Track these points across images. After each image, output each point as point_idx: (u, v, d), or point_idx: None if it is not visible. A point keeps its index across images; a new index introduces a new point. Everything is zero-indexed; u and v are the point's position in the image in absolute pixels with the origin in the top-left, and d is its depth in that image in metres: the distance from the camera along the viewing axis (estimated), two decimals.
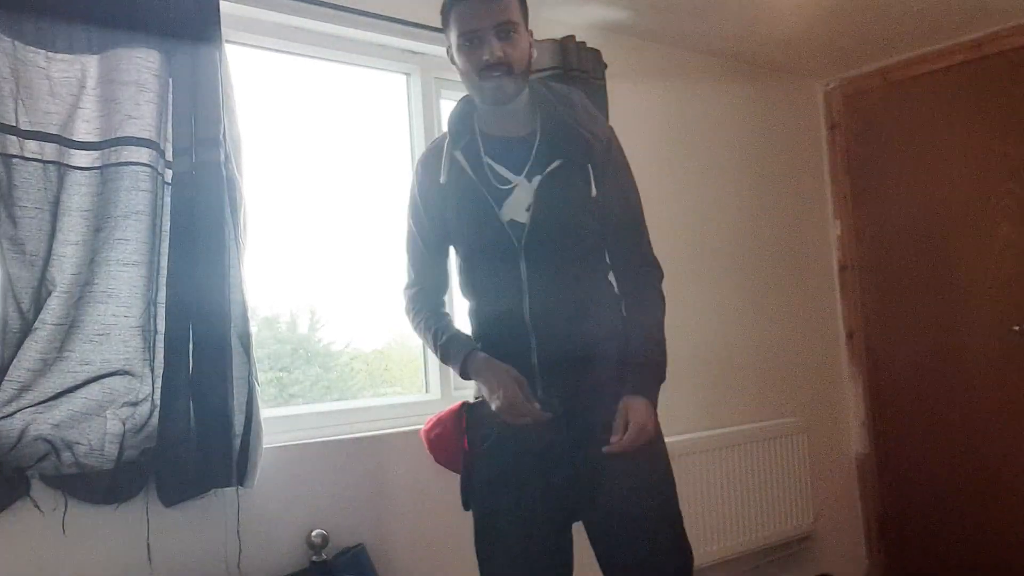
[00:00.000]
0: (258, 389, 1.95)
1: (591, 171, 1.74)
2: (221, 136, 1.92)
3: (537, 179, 1.72)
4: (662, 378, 1.76)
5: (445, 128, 1.83)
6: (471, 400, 1.84)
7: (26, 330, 1.71)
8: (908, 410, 3.47)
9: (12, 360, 1.69)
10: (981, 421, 3.25)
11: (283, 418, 2.17)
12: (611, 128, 1.85)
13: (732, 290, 3.25)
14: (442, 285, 1.91)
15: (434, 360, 2.48)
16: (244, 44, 2.25)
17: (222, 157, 1.91)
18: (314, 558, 2.02)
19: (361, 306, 2.46)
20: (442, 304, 1.91)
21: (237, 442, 1.89)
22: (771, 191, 3.46)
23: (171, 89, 1.90)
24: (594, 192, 1.74)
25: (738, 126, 3.36)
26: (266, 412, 2.03)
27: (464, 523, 2.32)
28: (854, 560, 3.57)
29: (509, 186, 1.74)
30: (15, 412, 1.68)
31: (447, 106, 2.60)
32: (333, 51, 2.40)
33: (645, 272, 1.81)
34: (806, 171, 3.65)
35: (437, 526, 2.29)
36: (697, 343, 3.06)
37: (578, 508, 1.74)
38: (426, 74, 2.55)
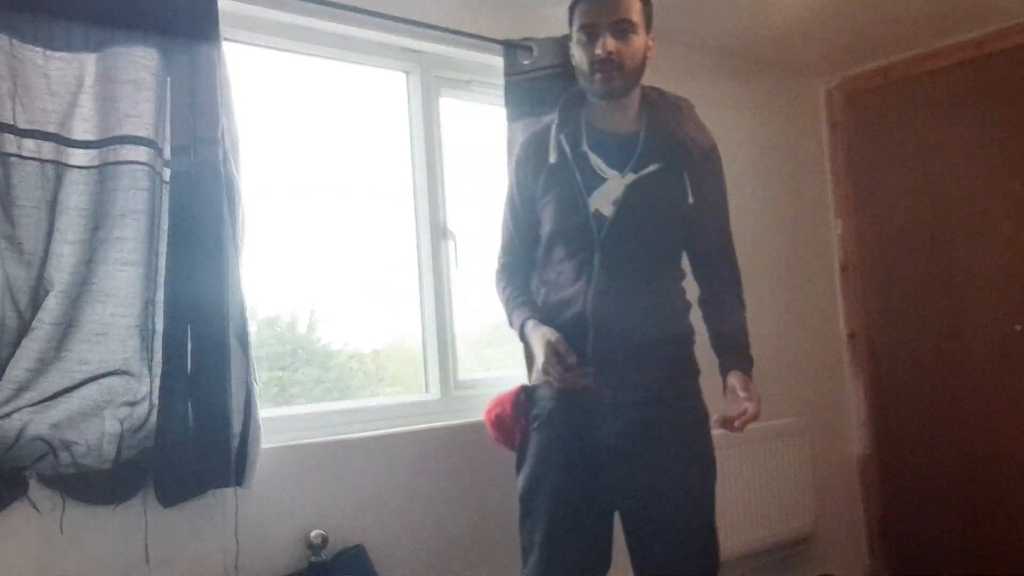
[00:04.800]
0: (256, 389, 1.94)
1: (687, 179, 1.80)
2: (219, 135, 1.91)
3: (631, 177, 1.77)
4: (751, 365, 1.85)
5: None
6: (529, 383, 1.94)
7: (24, 330, 1.70)
8: (910, 410, 3.46)
9: (9, 360, 1.68)
10: (984, 421, 3.23)
11: (282, 418, 2.16)
12: (714, 140, 1.90)
13: None
14: (528, 267, 1.99)
15: (433, 359, 2.48)
16: (242, 42, 2.24)
17: (220, 156, 1.90)
18: (313, 559, 2.02)
19: (360, 306, 2.45)
20: (527, 280, 1.99)
21: (235, 442, 1.88)
22: (772, 190, 3.45)
23: (169, 88, 1.89)
24: (691, 199, 1.80)
25: (739, 125, 3.34)
26: (265, 412, 2.02)
27: (463, 523, 2.32)
28: (855, 562, 3.56)
29: (602, 178, 1.79)
30: (13, 412, 1.67)
31: (447, 104, 2.59)
32: (332, 49, 2.39)
33: (730, 282, 1.96)
34: (807, 170, 3.64)
35: (437, 526, 2.28)
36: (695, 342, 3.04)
37: (618, 499, 1.80)
38: (426, 72, 2.53)
